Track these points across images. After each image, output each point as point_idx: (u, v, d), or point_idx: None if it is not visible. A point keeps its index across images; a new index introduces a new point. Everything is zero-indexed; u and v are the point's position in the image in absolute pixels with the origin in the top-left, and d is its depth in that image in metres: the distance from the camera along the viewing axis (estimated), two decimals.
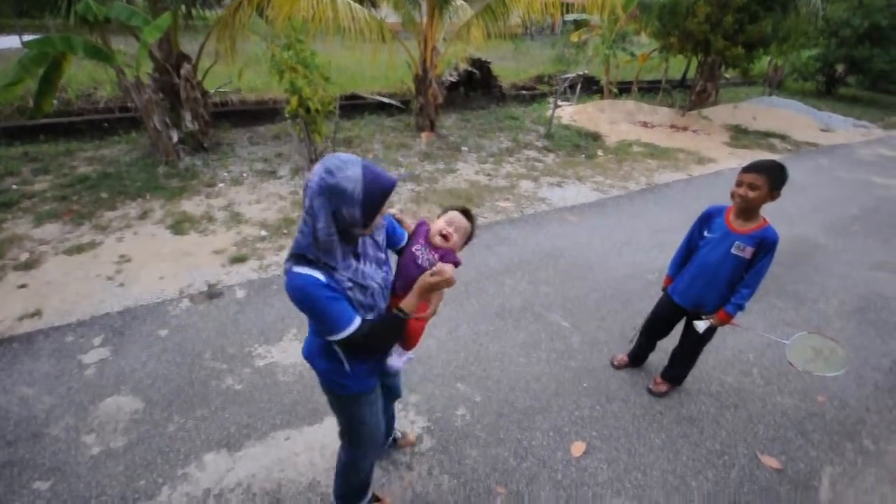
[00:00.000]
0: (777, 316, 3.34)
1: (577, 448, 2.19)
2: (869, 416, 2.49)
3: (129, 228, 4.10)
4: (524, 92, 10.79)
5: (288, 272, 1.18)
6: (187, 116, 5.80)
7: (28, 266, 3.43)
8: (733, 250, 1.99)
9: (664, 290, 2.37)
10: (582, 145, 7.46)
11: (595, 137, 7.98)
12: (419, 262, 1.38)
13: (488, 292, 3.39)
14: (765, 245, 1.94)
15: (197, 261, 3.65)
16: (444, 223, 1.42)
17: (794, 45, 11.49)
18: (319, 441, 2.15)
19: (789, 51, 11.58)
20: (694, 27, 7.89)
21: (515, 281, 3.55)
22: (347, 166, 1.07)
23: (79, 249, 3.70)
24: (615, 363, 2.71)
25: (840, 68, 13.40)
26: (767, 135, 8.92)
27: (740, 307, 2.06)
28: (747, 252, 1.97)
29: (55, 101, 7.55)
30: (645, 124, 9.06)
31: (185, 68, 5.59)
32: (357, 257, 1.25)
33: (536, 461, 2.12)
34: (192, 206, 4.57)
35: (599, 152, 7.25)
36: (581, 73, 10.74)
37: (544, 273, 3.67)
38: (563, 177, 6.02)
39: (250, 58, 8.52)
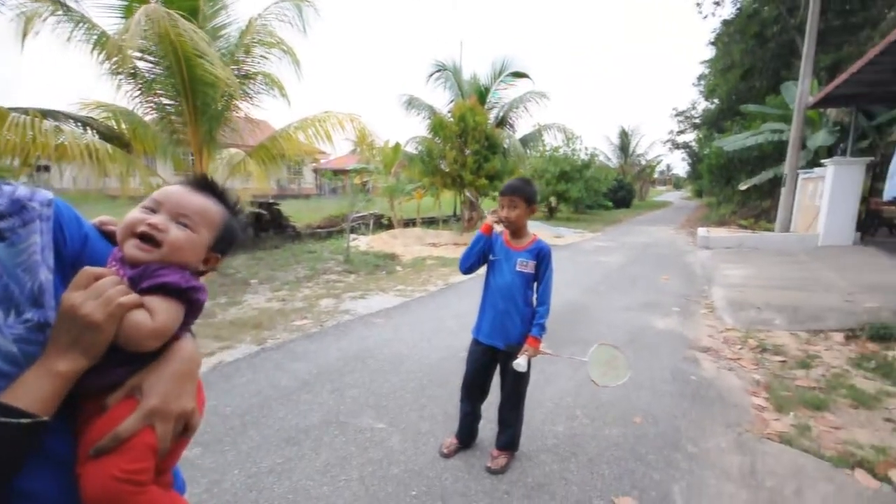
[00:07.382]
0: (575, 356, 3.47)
1: None
2: (678, 422, 2.56)
3: None
4: (320, 230, 10.95)
5: None
6: None
7: None
8: (517, 267, 1.98)
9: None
10: (381, 265, 7.63)
11: (392, 258, 8.36)
12: None
13: (276, 416, 2.50)
14: (543, 255, 2.00)
15: None
16: (144, 208, 0.69)
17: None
18: None
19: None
20: (448, 167, 9.86)
21: (314, 395, 2.78)
22: None
23: None
24: (444, 451, 2.16)
25: (553, 200, 18.67)
26: None
27: (543, 328, 1.98)
28: (530, 266, 1.98)
29: None
30: (433, 244, 10.14)
31: None
32: None
33: None
34: None
35: (398, 268, 7.50)
36: (372, 212, 11.85)
37: (351, 377, 3.03)
38: (366, 290, 5.80)
39: None
